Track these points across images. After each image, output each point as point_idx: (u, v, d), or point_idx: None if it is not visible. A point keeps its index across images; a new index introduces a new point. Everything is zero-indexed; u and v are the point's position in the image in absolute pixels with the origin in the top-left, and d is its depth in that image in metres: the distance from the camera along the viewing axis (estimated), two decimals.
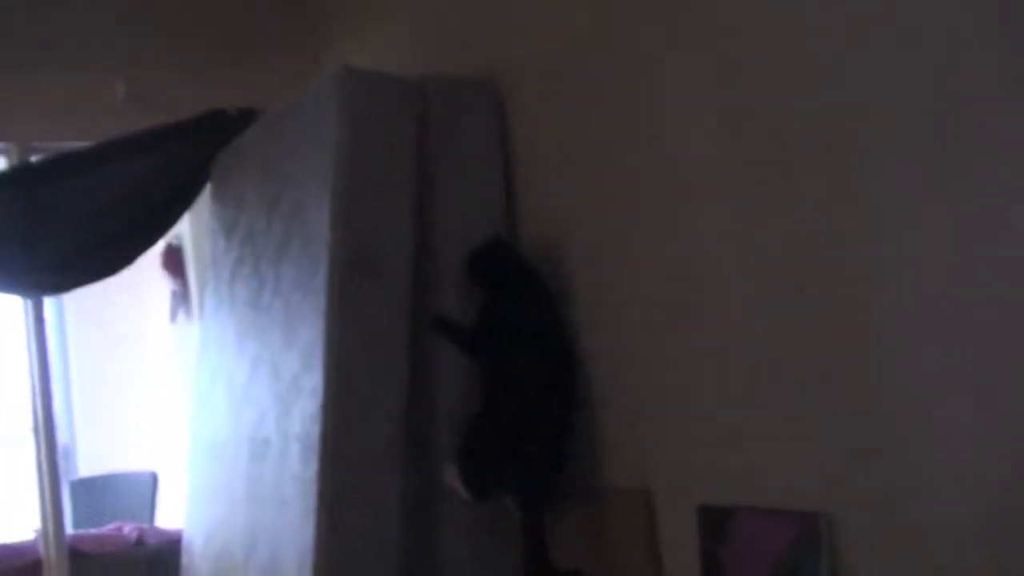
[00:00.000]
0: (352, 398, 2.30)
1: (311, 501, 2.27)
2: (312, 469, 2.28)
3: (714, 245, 2.00)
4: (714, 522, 1.99)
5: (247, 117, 3.30)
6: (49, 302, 3.42)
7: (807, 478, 1.81)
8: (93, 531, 3.36)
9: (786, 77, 1.81)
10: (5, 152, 3.28)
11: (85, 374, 5.53)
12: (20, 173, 3.22)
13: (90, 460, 5.54)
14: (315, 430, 2.29)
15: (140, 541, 3.31)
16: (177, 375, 5.20)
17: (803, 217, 1.80)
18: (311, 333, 2.38)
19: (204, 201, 3.33)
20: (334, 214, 2.34)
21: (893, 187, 1.63)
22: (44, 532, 3.18)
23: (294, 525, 2.33)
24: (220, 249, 3.02)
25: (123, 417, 5.47)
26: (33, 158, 3.29)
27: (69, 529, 3.29)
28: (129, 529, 3.38)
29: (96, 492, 5.19)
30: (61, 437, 3.42)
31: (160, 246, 4.31)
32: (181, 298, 4.94)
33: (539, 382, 2.28)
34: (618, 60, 2.21)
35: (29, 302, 3.24)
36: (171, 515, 4.98)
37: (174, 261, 4.94)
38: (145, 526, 3.46)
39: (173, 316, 5.02)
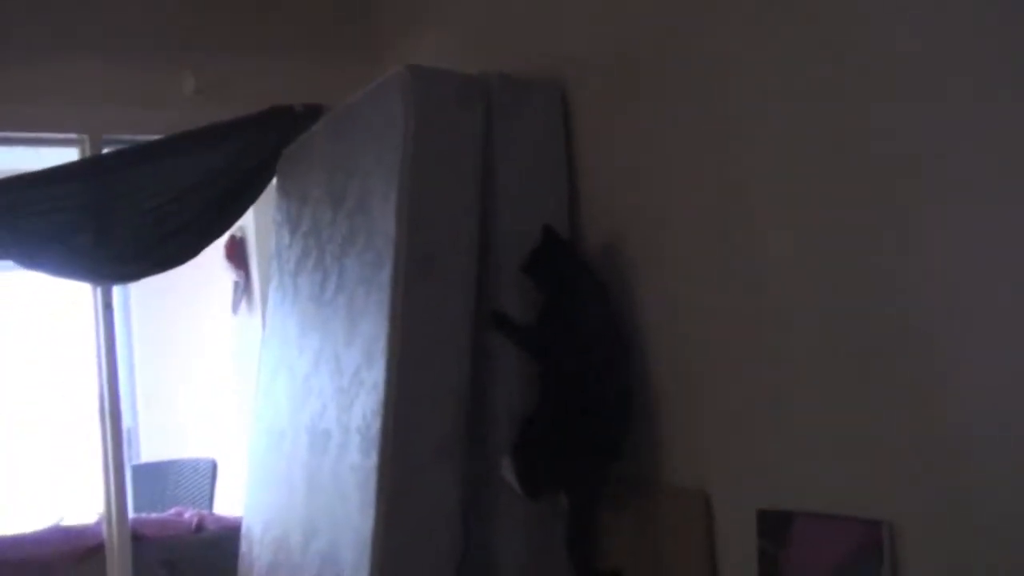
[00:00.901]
0: (413, 393, 2.32)
1: (370, 493, 2.30)
2: (372, 461, 2.31)
3: (776, 248, 2.00)
4: (774, 526, 1.99)
5: (312, 113, 3.35)
6: (116, 289, 3.49)
7: (870, 484, 1.80)
8: (155, 515, 3.43)
9: (850, 89, 1.80)
10: (78, 144, 3.35)
11: (148, 361, 5.64)
12: (92, 164, 3.29)
13: (151, 445, 5.65)
14: (376, 424, 2.32)
15: (200, 527, 3.37)
16: (237, 365, 5.28)
17: (866, 221, 1.79)
18: (374, 328, 2.40)
19: (268, 194, 3.39)
20: (400, 210, 2.37)
21: (955, 189, 1.62)
22: (107, 515, 3.25)
23: (353, 516, 2.36)
24: (285, 243, 3.07)
25: (183, 404, 5.57)
26: (105, 150, 3.36)
27: (131, 513, 3.35)
28: (189, 515, 3.44)
29: (157, 477, 5.30)
30: (124, 421, 3.50)
31: (224, 238, 4.37)
32: (243, 289, 5.01)
33: (595, 380, 2.28)
34: (684, 61, 2.21)
35: (98, 289, 3.31)
36: (229, 502, 5.07)
37: (237, 252, 5.02)
38: (205, 512, 3.53)
39: (235, 307, 5.10)
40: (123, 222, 3.19)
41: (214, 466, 5.16)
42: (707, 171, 2.16)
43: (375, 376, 2.36)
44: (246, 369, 5.08)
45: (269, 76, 3.46)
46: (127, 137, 3.38)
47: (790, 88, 1.94)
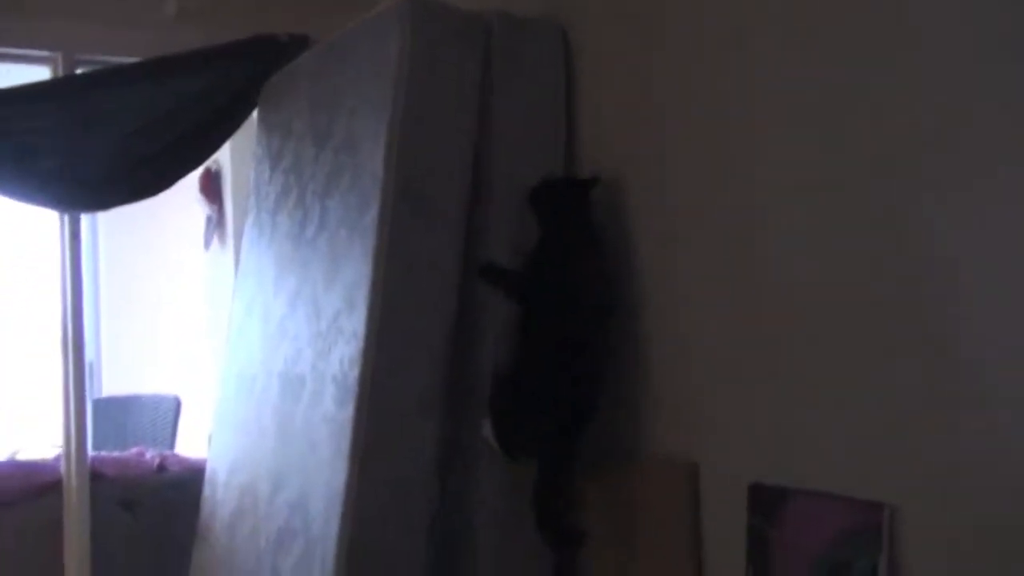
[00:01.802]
0: (394, 343, 2.22)
1: (344, 445, 2.20)
2: (348, 413, 2.21)
3: (783, 212, 1.90)
4: (766, 502, 1.91)
5: (298, 43, 3.20)
6: (85, 218, 3.34)
7: (871, 463, 1.71)
8: (115, 453, 3.32)
9: (871, 54, 1.69)
10: (50, 63, 3.18)
11: (114, 293, 5.49)
12: (62, 85, 3.13)
13: (112, 380, 5.52)
14: (353, 373, 2.21)
15: (162, 467, 3.26)
16: (207, 301, 5.14)
17: (881, 195, 1.69)
18: (356, 272, 2.29)
19: (247, 128, 3.24)
20: (389, 149, 2.25)
21: (979, 183, 1.52)
22: (66, 453, 3.14)
23: (324, 468, 2.27)
24: (264, 178, 2.94)
25: (149, 339, 5.43)
26: (78, 71, 3.20)
27: (90, 451, 3.23)
28: (151, 454, 3.33)
29: (118, 412, 5.17)
30: (87, 354, 3.38)
31: (198, 170, 4.21)
32: (216, 224, 4.85)
33: (574, 336, 2.17)
34: None
35: (65, 217, 3.17)
36: (191, 441, 4.97)
37: (212, 186, 4.84)
38: (167, 452, 3.42)
39: (207, 242, 4.94)
40: (94, 147, 3.04)
41: (178, 403, 5.03)
42: (720, 121, 2.05)
43: (355, 324, 2.25)
44: (216, 305, 4.95)
45: (255, 2, 3.30)
46: (102, 58, 3.21)
47: (815, 37, 1.83)
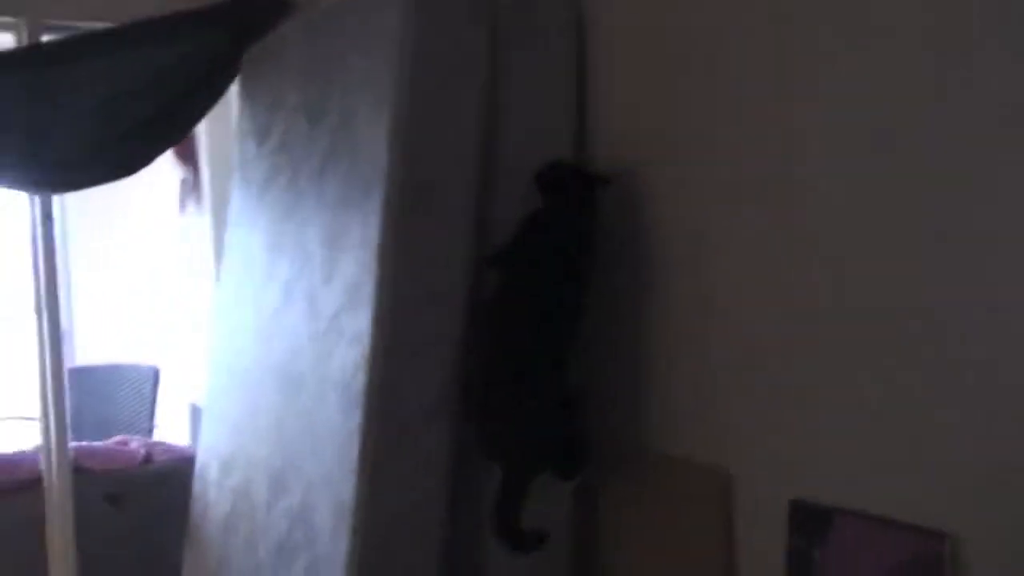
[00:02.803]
0: (402, 348, 2.06)
1: (351, 457, 2.06)
2: (355, 422, 2.06)
3: (827, 207, 1.73)
4: (810, 521, 1.78)
5: (278, 7, 2.99)
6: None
7: (931, 488, 1.57)
8: (98, 444, 3.16)
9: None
10: (13, 29, 2.95)
11: (84, 257, 5.27)
12: (27, 54, 2.90)
13: (86, 348, 5.33)
14: (359, 380, 2.06)
15: (148, 458, 3.11)
16: (183, 267, 4.95)
17: (942, 176, 1.53)
18: (357, 269, 2.12)
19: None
20: (393, 133, 2.06)
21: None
22: (46, 445, 2.97)
23: (330, 479, 2.12)
24: (250, 155, 2.75)
25: (123, 307, 5.24)
26: (44, 38, 2.97)
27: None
28: (136, 444, 3.17)
29: (94, 382, 4.99)
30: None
31: None
32: (191, 188, 4.64)
33: (545, 338, 2.02)
34: None
35: (36, 197, 2.96)
36: (170, 414, 4.82)
37: (186, 148, 4.62)
38: (152, 441, 3.27)
39: (182, 206, 4.74)
40: (61, 123, 2.82)
41: (156, 374, 4.86)
42: (751, 104, 1.87)
43: (359, 325, 2.09)
44: (195, 272, 4.76)
45: None
46: (71, 23, 2.98)
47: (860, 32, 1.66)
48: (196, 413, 4.73)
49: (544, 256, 2.04)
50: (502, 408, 2.05)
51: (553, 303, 2.03)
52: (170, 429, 4.84)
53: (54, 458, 2.93)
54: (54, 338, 2.95)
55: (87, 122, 2.80)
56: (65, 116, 2.81)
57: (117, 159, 2.85)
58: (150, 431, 4.78)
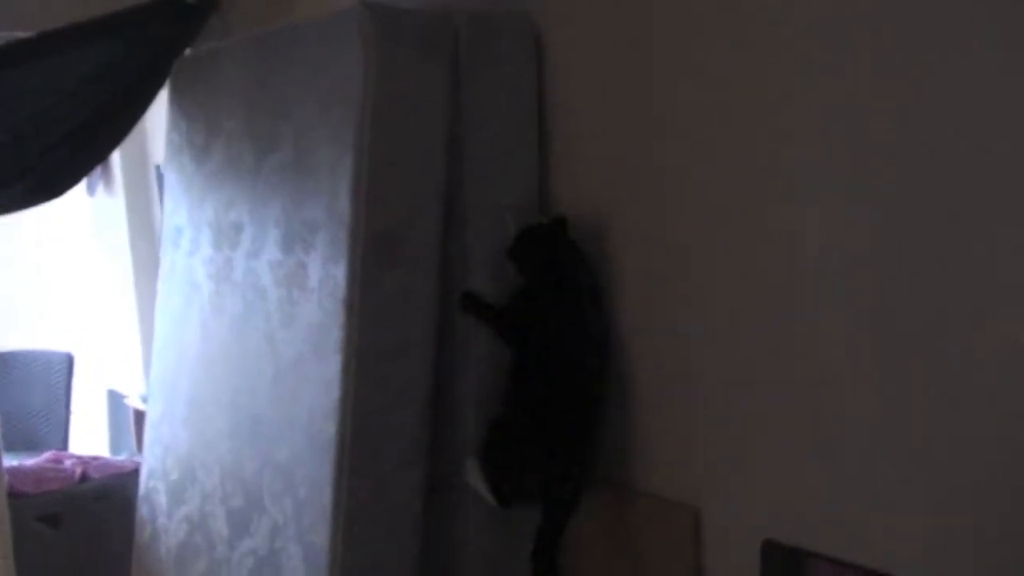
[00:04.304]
0: (374, 395, 2.03)
1: (323, 504, 2.04)
2: (326, 471, 2.04)
3: (805, 239, 1.73)
4: (783, 564, 1.84)
5: (207, 5, 2.86)
6: None
7: (911, 539, 1.61)
8: (30, 464, 3.04)
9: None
10: None
11: None
12: None
13: None
14: (329, 429, 2.03)
15: (84, 476, 3.01)
16: (93, 251, 4.78)
17: (932, 215, 1.56)
18: (321, 314, 2.08)
19: None
20: (357, 180, 2.00)
21: None
22: None
23: (300, 528, 2.10)
24: (187, 172, 2.63)
25: (33, 290, 5.03)
26: None
27: None
28: (71, 462, 3.07)
29: (5, 367, 4.81)
30: None
31: None
32: (101, 169, 4.45)
33: (565, 377, 2.04)
34: None
35: None
36: (85, 402, 4.68)
37: None
38: (87, 457, 3.15)
39: (91, 189, 4.55)
40: None
41: (70, 360, 4.70)
42: (719, 130, 1.85)
43: (327, 372, 2.05)
44: (109, 257, 4.60)
45: None
46: None
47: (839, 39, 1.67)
48: (114, 399, 4.61)
49: (556, 318, 2.03)
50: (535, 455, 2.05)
51: (580, 355, 2.03)
52: (86, 416, 4.71)
53: None
54: None
55: (5, 141, 2.63)
56: None
57: (39, 181, 2.69)
58: (66, 419, 4.64)
